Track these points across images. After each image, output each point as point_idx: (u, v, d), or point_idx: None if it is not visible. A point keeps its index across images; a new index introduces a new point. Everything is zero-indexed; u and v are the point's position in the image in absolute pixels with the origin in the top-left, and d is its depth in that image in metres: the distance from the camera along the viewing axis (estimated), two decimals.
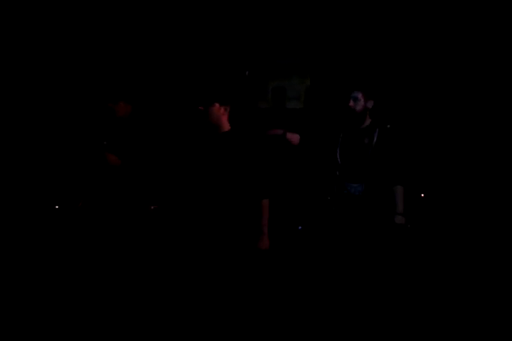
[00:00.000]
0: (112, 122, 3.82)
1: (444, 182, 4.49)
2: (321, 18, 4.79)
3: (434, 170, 4.52)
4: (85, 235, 3.86)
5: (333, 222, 3.57)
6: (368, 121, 3.48)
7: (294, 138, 3.60)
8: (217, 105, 3.21)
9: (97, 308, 3.39)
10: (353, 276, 3.41)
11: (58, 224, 4.14)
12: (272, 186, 3.29)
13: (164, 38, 4.94)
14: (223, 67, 4.99)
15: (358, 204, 3.42)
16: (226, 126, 3.27)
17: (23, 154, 4.39)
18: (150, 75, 4.90)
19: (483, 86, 4.42)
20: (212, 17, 4.93)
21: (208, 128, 3.28)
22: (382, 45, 4.65)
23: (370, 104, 3.43)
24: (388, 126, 3.51)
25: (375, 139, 3.41)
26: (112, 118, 3.82)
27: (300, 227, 4.53)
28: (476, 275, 3.83)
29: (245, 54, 5.07)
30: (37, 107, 4.56)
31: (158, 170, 3.89)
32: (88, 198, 3.81)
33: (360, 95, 3.41)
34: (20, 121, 4.48)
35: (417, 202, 4.37)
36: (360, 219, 3.41)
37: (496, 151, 4.33)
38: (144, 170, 3.80)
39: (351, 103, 3.42)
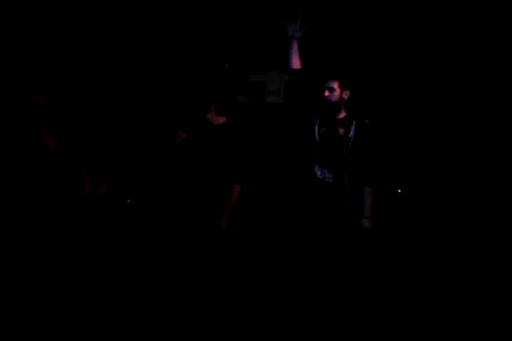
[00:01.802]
0: (39, 109, 3.92)
1: (421, 181, 4.49)
2: (299, 12, 4.79)
3: (411, 170, 4.52)
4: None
5: (299, 214, 3.51)
6: (343, 113, 3.39)
7: None
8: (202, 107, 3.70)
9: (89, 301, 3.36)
10: (315, 274, 3.36)
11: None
12: (244, 174, 3.66)
13: (143, 33, 4.90)
14: (203, 61, 4.97)
15: (327, 194, 3.35)
16: (215, 121, 3.69)
17: None
18: (132, 70, 4.88)
19: (464, 82, 4.43)
20: (191, 12, 4.90)
21: (202, 123, 3.72)
22: (361, 39, 4.66)
23: (346, 95, 3.34)
24: (367, 121, 3.46)
25: (351, 133, 3.32)
26: (37, 106, 3.93)
27: (260, 215, 4.47)
28: (460, 275, 3.82)
29: (225, 48, 5.05)
30: None
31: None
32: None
33: (336, 85, 3.31)
34: None
35: (394, 200, 4.38)
36: (328, 214, 3.34)
37: (476, 148, 4.34)
38: (78, 153, 4.00)
39: (326, 93, 3.31)
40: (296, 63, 3.43)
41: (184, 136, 3.63)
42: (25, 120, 3.86)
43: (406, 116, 4.52)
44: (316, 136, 3.38)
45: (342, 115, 3.39)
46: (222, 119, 3.69)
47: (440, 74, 4.46)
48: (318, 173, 3.37)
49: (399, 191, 4.53)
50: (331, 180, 3.34)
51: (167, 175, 3.94)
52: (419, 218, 4.29)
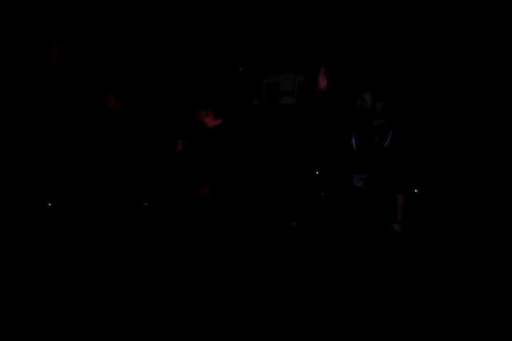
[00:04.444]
0: (102, 116, 3.96)
1: (446, 186, 4.45)
2: (314, 15, 4.79)
3: (438, 176, 4.49)
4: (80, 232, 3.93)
5: (331, 219, 3.62)
6: (378, 121, 3.47)
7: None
8: (197, 111, 3.62)
9: (94, 305, 3.41)
10: (344, 277, 3.45)
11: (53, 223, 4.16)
12: (213, 177, 3.56)
13: (158, 35, 4.95)
14: (217, 63, 5.00)
15: (360, 199, 3.45)
16: (210, 124, 3.64)
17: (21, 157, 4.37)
18: (141, 72, 4.92)
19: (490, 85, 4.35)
20: (206, 14, 4.94)
21: (195, 127, 3.68)
22: (376, 41, 4.63)
23: (378, 105, 3.42)
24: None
25: (387, 142, 3.41)
26: (102, 112, 3.96)
27: (294, 223, 4.54)
28: (472, 279, 3.77)
29: (239, 50, 5.08)
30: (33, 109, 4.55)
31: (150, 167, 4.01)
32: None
33: (368, 95, 3.40)
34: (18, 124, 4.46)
35: (413, 200, 4.33)
36: (359, 218, 3.45)
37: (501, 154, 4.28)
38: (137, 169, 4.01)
39: (359, 103, 3.42)
40: (322, 86, 3.52)
41: (184, 143, 3.67)
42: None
43: (441, 125, 4.50)
44: (354, 145, 3.49)
45: (377, 122, 3.47)
46: (216, 122, 3.67)
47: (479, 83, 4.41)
48: (355, 180, 3.49)
49: (416, 191, 4.50)
50: (363, 185, 3.44)
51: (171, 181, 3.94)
52: (451, 223, 4.25)
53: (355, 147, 3.49)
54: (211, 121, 3.62)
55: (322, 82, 3.49)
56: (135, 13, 4.89)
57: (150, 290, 3.58)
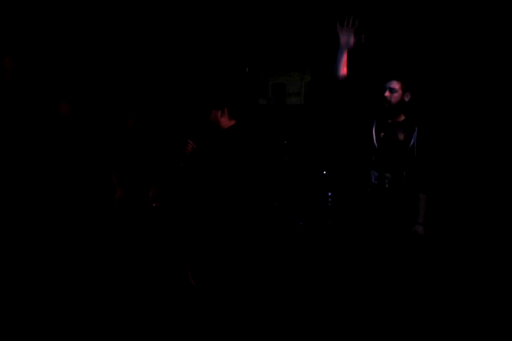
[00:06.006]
0: (59, 123, 3.97)
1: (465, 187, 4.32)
2: (320, 15, 4.80)
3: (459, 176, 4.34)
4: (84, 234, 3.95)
5: (347, 219, 3.49)
6: (402, 117, 3.20)
7: None
8: (213, 111, 3.57)
9: (96, 306, 3.42)
10: (357, 277, 3.32)
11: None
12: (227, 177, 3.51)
13: (162, 35, 4.98)
14: (223, 64, 5.03)
15: (383, 198, 3.25)
16: (226, 124, 3.60)
17: None
18: (148, 74, 4.96)
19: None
20: (212, 15, 4.96)
21: (210, 128, 3.63)
22: (384, 39, 4.61)
23: (407, 97, 3.14)
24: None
25: (412, 140, 3.17)
26: (56, 118, 3.97)
27: (301, 223, 4.54)
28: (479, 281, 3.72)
29: (246, 51, 5.10)
30: None
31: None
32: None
33: (398, 86, 3.11)
34: None
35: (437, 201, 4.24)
36: (383, 218, 3.25)
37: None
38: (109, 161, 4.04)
39: (387, 93, 3.12)
40: (343, 71, 3.16)
41: (194, 146, 3.64)
42: (48, 148, 3.90)
43: (467, 122, 4.23)
44: (375, 141, 3.24)
45: (401, 118, 3.21)
46: (231, 122, 3.66)
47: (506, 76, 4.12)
48: (374, 178, 3.27)
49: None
50: (387, 185, 3.22)
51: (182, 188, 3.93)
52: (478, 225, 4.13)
53: (376, 144, 3.22)
54: (226, 122, 3.61)
55: (343, 69, 3.12)
56: (142, 19, 4.92)
57: (156, 291, 3.60)
